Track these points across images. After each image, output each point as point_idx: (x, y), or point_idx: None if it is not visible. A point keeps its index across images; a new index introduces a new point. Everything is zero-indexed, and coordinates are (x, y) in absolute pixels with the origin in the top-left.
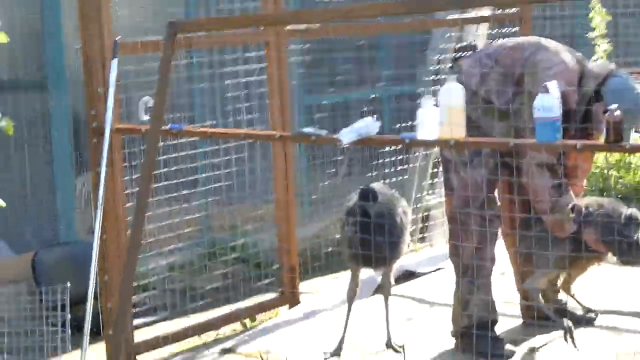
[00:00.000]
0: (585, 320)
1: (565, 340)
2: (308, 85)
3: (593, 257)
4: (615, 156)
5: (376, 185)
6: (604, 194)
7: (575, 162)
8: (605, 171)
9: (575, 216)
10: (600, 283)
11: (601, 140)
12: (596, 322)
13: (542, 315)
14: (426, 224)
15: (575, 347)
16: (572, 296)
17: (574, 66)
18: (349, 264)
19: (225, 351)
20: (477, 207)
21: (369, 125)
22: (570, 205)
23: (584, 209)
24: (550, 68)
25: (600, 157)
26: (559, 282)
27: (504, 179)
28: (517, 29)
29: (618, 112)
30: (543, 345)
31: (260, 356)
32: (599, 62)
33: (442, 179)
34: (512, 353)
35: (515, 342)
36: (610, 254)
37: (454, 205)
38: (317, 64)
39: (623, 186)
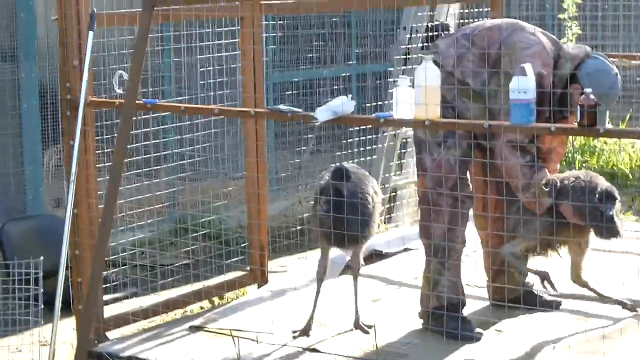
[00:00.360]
0: (553, 304)
1: (543, 286)
2: (278, 62)
3: (576, 231)
4: (580, 140)
5: (347, 165)
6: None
7: (550, 146)
8: (570, 155)
9: (551, 191)
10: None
11: (574, 123)
12: (566, 307)
13: (510, 297)
14: (393, 204)
15: (554, 289)
16: (587, 286)
17: (550, 48)
18: (320, 243)
19: (194, 328)
20: (449, 188)
21: (344, 103)
22: (544, 181)
23: (559, 183)
24: (527, 49)
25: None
26: (570, 274)
27: (477, 161)
28: (488, 9)
29: (592, 96)
30: (511, 328)
31: (230, 334)
32: (575, 45)
33: (408, 159)
34: (480, 335)
35: (484, 325)
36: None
37: (427, 185)
38: (287, 41)
39: (587, 169)
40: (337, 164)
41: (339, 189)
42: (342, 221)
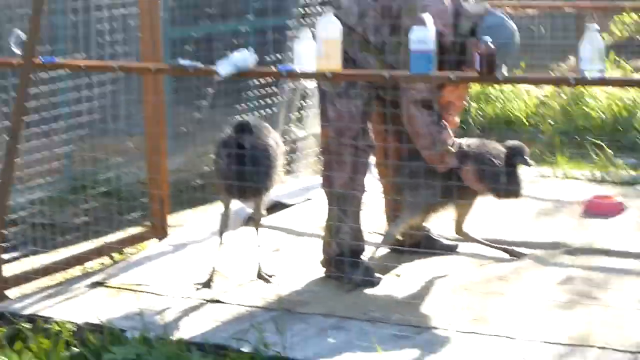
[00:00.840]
0: (450, 247)
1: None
2: (174, 17)
3: (469, 195)
4: (475, 88)
5: (248, 118)
6: (464, 126)
7: (449, 100)
8: (466, 103)
9: (455, 151)
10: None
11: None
12: (464, 250)
13: (409, 242)
14: (294, 156)
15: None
16: (468, 237)
17: (449, 5)
18: (221, 196)
19: (96, 284)
20: (351, 137)
21: (246, 57)
22: (450, 141)
23: (464, 146)
24: (428, 6)
25: None
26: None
27: (378, 111)
28: None
29: (490, 45)
30: (410, 272)
31: (132, 289)
32: (473, 2)
33: (308, 112)
34: (380, 280)
35: (384, 270)
36: (487, 192)
37: (329, 135)
38: None
39: (483, 117)
40: (239, 117)
41: (239, 141)
42: (243, 173)
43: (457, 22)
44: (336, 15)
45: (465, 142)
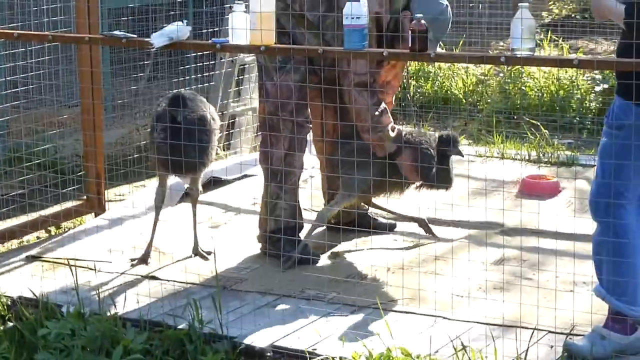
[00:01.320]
0: (388, 226)
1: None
2: None
3: (397, 184)
4: (414, 65)
5: (184, 92)
6: (403, 103)
7: (385, 79)
8: (405, 81)
9: (396, 137)
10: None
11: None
12: (400, 229)
13: (346, 221)
14: (232, 131)
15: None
16: (375, 206)
17: None
18: (158, 171)
19: (31, 258)
20: (288, 112)
21: (180, 29)
22: (390, 126)
23: (404, 133)
24: None
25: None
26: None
27: (315, 87)
28: None
29: (423, 21)
30: (346, 250)
31: (67, 263)
32: None
33: (246, 86)
34: (317, 258)
35: (320, 248)
36: (418, 181)
37: (267, 110)
38: None
39: (421, 95)
40: (174, 90)
41: (175, 115)
42: (179, 148)
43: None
44: None
45: (405, 129)
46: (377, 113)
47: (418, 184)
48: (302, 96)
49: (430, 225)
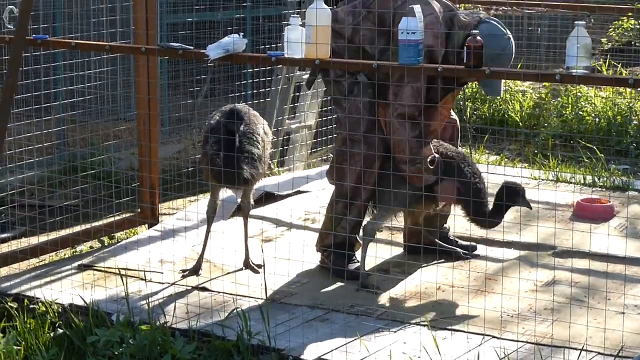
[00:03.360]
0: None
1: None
2: (172, 3)
3: (430, 205)
4: (471, 88)
5: (238, 106)
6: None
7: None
8: (461, 102)
9: (435, 169)
10: None
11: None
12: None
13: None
14: (286, 148)
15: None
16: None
17: (443, 17)
18: (210, 183)
19: (83, 267)
20: (360, 132)
21: (236, 41)
22: (430, 158)
23: (443, 163)
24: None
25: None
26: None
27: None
28: None
29: (479, 37)
30: (396, 268)
31: (119, 272)
32: (468, 12)
33: (302, 103)
34: (367, 273)
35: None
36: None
37: (342, 132)
38: None
39: (478, 117)
40: (230, 104)
41: (228, 128)
42: (231, 160)
43: (449, 33)
44: (333, 29)
45: (445, 150)
46: (416, 145)
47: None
48: (372, 116)
49: (482, 245)
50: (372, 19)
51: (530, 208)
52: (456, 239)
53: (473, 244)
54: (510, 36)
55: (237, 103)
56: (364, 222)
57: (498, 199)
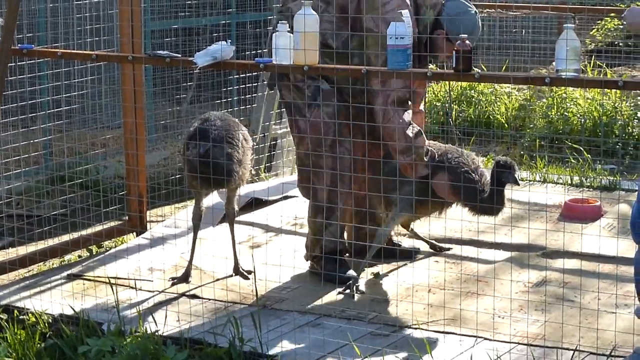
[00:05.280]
0: (414, 253)
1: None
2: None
3: (438, 204)
4: (457, 90)
5: (217, 113)
6: (445, 127)
7: (414, 87)
8: (447, 105)
9: (429, 160)
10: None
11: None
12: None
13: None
14: (273, 153)
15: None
16: (414, 234)
17: None
18: (192, 189)
19: (72, 276)
20: (327, 147)
21: (223, 49)
22: (425, 148)
23: (437, 155)
24: (387, 3)
25: (442, 91)
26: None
27: (348, 120)
28: None
29: (467, 42)
30: (387, 271)
31: (108, 281)
32: None
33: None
34: (357, 278)
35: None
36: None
37: (305, 148)
38: None
39: (464, 119)
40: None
41: (206, 133)
42: (208, 163)
43: (418, 14)
44: (290, 25)
45: (439, 147)
46: (411, 134)
47: (460, 204)
48: (337, 129)
49: (472, 247)
50: (332, 11)
51: (519, 184)
52: (400, 242)
53: (417, 247)
54: (476, 11)
55: (224, 110)
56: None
57: (493, 180)
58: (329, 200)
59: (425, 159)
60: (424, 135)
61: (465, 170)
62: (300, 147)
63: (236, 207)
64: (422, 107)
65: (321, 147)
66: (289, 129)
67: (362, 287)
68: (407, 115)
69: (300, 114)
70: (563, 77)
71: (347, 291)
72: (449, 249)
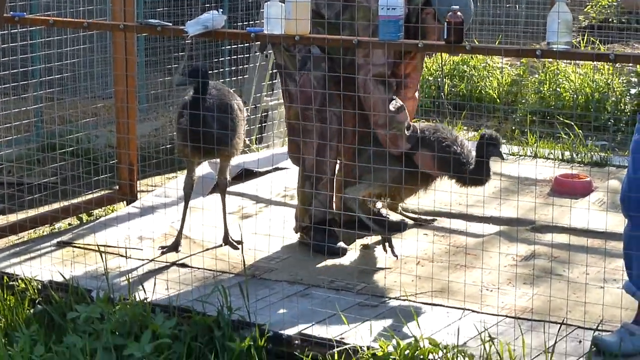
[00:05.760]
0: (402, 226)
1: (384, 249)
2: None
3: (424, 179)
4: (449, 65)
5: (212, 82)
6: (437, 102)
7: (405, 72)
8: (439, 80)
9: (411, 135)
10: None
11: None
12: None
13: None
14: (264, 124)
15: (394, 255)
16: (402, 213)
17: None
18: (184, 158)
19: (63, 244)
20: (315, 111)
21: (215, 18)
22: (406, 123)
23: (419, 130)
24: None
25: (434, 66)
26: (385, 203)
27: (337, 84)
28: None
29: (460, 13)
30: (376, 243)
31: (98, 248)
32: None
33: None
34: (346, 250)
35: (349, 240)
36: (443, 177)
37: (294, 113)
38: None
39: (455, 94)
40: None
41: (201, 101)
42: (202, 132)
43: None
44: None
45: (420, 126)
46: (393, 109)
47: (443, 177)
48: (326, 94)
49: (462, 221)
50: None
51: (503, 159)
52: (388, 215)
53: (405, 220)
54: None
55: (217, 80)
56: (347, 192)
57: (478, 152)
58: (317, 167)
59: (406, 134)
60: (406, 111)
61: (446, 142)
62: (290, 111)
63: (228, 177)
64: (416, 94)
65: (310, 111)
66: (280, 101)
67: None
68: (389, 91)
69: (291, 78)
70: (554, 49)
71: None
72: (434, 220)
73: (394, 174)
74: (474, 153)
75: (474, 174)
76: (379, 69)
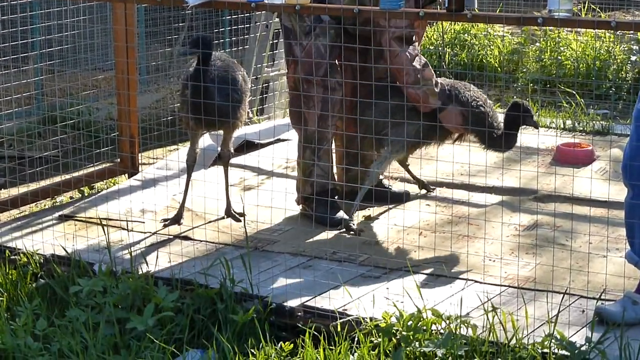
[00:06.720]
0: (405, 196)
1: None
2: None
3: (442, 134)
4: (450, 34)
5: (216, 53)
6: (438, 71)
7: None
8: (440, 49)
9: (441, 90)
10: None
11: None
12: (434, 194)
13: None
14: (265, 96)
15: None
16: (407, 169)
17: None
18: (188, 129)
19: (64, 217)
20: (320, 75)
21: None
22: (434, 80)
23: (447, 87)
24: None
25: (435, 34)
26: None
27: (349, 48)
28: None
29: None
30: (378, 214)
31: (100, 222)
32: None
33: (281, 50)
34: (349, 221)
35: (348, 211)
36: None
37: (297, 74)
38: None
39: (456, 63)
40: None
41: (206, 73)
42: (209, 103)
43: None
44: None
45: (444, 82)
46: (419, 66)
47: (467, 136)
48: (332, 58)
49: (464, 191)
50: None
51: (537, 128)
52: (390, 185)
53: (407, 190)
54: None
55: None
56: (372, 167)
57: (508, 118)
58: (319, 133)
59: (435, 91)
60: (430, 68)
61: (479, 101)
62: (293, 71)
63: (231, 149)
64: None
65: (313, 75)
66: (281, 71)
67: (354, 226)
68: (413, 49)
69: (297, 39)
70: (555, 17)
71: (351, 233)
72: (433, 189)
73: (416, 129)
74: (498, 116)
75: (505, 140)
76: (401, 30)
